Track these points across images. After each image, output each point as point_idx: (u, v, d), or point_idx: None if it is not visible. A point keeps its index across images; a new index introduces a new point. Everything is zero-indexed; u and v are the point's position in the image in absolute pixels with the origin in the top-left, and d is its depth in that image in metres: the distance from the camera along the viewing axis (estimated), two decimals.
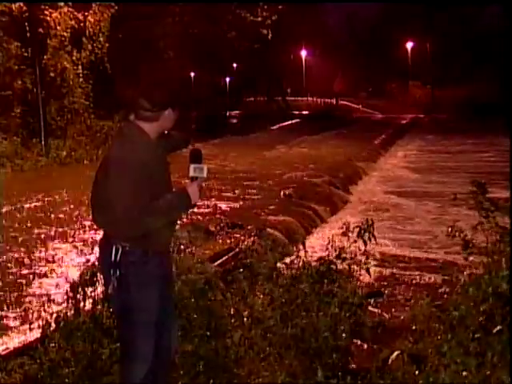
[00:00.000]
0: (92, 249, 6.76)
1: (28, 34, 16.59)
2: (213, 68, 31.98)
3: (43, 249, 6.95)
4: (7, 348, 3.91)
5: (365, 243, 4.56)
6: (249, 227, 7.54)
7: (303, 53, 52.18)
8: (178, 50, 25.44)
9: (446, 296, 5.00)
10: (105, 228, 2.94)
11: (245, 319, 4.15)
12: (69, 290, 4.12)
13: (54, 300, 5.01)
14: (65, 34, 17.61)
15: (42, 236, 7.63)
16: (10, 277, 5.85)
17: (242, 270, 4.97)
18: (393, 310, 5.34)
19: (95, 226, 7.60)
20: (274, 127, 32.69)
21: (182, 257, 4.75)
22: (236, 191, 11.01)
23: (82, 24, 18.05)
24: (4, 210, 9.40)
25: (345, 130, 28.83)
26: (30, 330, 4.15)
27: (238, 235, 7.04)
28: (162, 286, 2.94)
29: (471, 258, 4.05)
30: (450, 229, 4.07)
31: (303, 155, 17.42)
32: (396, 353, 3.52)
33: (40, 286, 5.55)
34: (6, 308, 4.89)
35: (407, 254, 7.70)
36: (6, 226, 8.22)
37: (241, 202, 9.97)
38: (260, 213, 8.89)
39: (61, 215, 8.98)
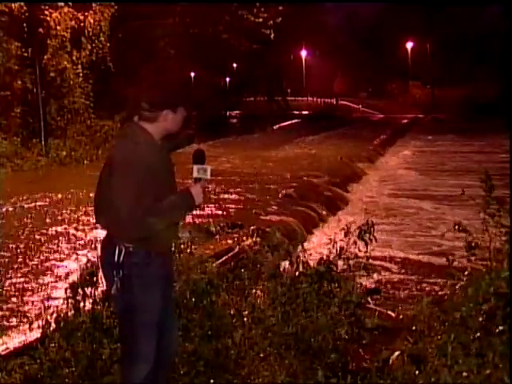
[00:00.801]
0: (92, 249, 6.76)
1: (28, 34, 16.58)
2: (213, 68, 31.95)
3: (43, 249, 6.95)
4: (7, 348, 3.91)
5: (366, 244, 4.56)
6: (249, 227, 7.54)
7: (303, 53, 52.17)
8: (179, 49, 25.44)
9: (446, 297, 5.00)
10: (108, 228, 2.94)
11: (245, 319, 4.15)
12: (69, 289, 4.11)
13: (53, 300, 5.01)
14: (65, 34, 17.60)
15: (42, 236, 7.63)
16: (10, 276, 5.84)
17: (242, 269, 4.96)
18: (392, 310, 5.34)
19: (95, 226, 7.65)
20: (274, 127, 32.69)
21: (182, 257, 4.75)
22: (236, 191, 11.01)
23: (82, 24, 18.04)
24: (4, 209, 9.41)
25: (345, 130, 28.83)
26: (30, 330, 4.15)
27: (237, 235, 7.04)
28: (165, 286, 2.94)
29: (473, 258, 4.04)
30: (455, 227, 4.06)
31: (303, 155, 17.42)
32: (396, 353, 3.52)
33: (40, 285, 5.55)
34: (5, 308, 4.90)
35: (406, 256, 7.70)
36: (5, 225, 8.22)
37: (241, 202, 9.96)
38: (260, 213, 8.89)
39: (61, 215, 8.98)
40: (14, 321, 4.58)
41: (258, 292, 4.56)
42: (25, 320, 4.48)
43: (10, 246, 7.11)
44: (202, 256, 5.25)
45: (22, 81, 16.91)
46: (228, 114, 38.43)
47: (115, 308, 3.25)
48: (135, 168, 2.74)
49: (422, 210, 10.62)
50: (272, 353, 3.81)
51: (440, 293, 5.64)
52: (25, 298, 5.16)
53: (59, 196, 10.55)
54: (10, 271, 6.03)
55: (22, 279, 5.75)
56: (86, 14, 18.11)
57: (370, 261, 4.90)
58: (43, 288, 5.46)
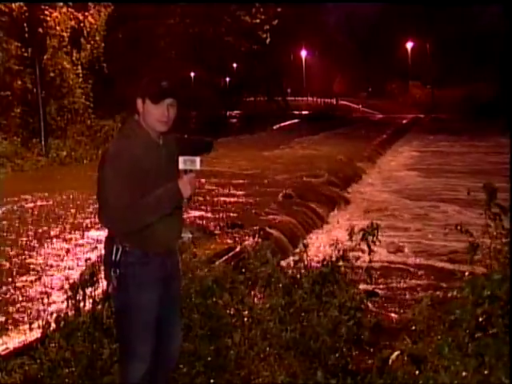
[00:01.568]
0: (92, 248, 6.76)
1: (28, 34, 16.58)
2: (213, 68, 31.97)
3: (43, 248, 6.95)
4: (7, 348, 3.91)
5: (368, 246, 4.55)
6: (249, 227, 7.55)
7: (303, 53, 52.19)
8: (179, 49, 25.45)
9: (446, 297, 5.00)
10: (104, 224, 2.94)
11: (245, 319, 4.15)
12: (69, 289, 4.11)
13: (53, 300, 5.01)
14: (64, 34, 17.60)
15: (42, 236, 7.63)
16: (10, 276, 5.84)
17: (242, 270, 4.96)
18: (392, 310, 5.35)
19: (95, 226, 7.65)
20: (274, 127, 32.68)
21: (183, 257, 4.75)
22: (236, 191, 11.01)
23: (81, 24, 18.04)
24: (4, 209, 9.41)
25: (345, 130, 28.83)
26: (30, 329, 4.15)
27: (238, 235, 7.05)
28: (164, 287, 2.92)
29: (475, 259, 4.03)
30: (456, 228, 4.05)
31: (303, 155, 17.42)
32: (396, 353, 3.52)
33: (40, 285, 5.55)
34: (6, 308, 4.90)
35: (407, 256, 7.70)
36: (5, 225, 8.22)
37: (241, 202, 9.96)
38: (260, 213, 8.90)
39: (61, 215, 8.98)
40: (14, 320, 4.58)
41: (258, 292, 4.56)
42: (25, 320, 4.49)
43: (10, 245, 7.12)
44: (203, 256, 5.26)
45: (22, 81, 16.91)
46: (228, 113, 38.43)
47: (114, 306, 3.26)
48: (121, 161, 2.73)
49: (422, 211, 10.62)
50: (272, 353, 3.81)
51: (440, 293, 5.64)
52: (24, 298, 5.16)
53: (59, 196, 10.54)
54: (10, 271, 6.04)
55: (22, 279, 5.75)
56: (86, 14, 18.11)
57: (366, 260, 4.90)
58: (43, 288, 5.46)
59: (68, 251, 6.85)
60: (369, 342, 4.23)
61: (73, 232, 7.82)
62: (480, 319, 3.23)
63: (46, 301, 5.03)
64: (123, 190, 2.71)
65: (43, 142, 15.96)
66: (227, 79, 41.92)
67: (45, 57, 17.23)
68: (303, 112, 46.50)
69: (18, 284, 5.59)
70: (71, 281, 4.42)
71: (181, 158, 2.77)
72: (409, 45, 50.20)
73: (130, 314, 2.87)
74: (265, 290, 4.57)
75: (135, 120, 2.88)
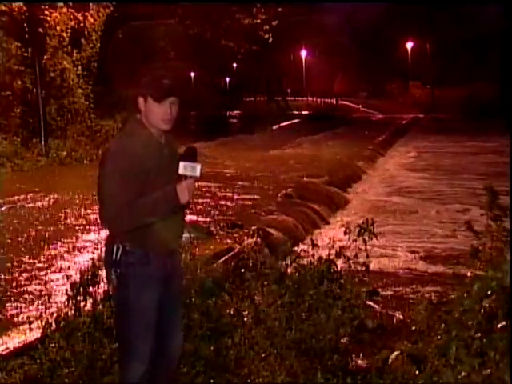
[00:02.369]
0: (92, 248, 6.76)
1: (28, 34, 16.58)
2: (213, 68, 31.96)
3: (42, 248, 6.95)
4: (7, 348, 3.91)
5: (365, 243, 4.56)
6: (249, 227, 7.54)
7: (303, 53, 52.15)
8: (178, 50, 25.45)
9: (446, 297, 5.00)
10: (103, 223, 2.93)
11: (245, 319, 4.15)
12: (69, 289, 4.11)
13: (53, 300, 5.01)
14: (64, 34, 17.59)
15: (42, 236, 7.63)
16: (10, 276, 5.85)
17: (242, 269, 4.97)
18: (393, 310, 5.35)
19: (95, 226, 7.65)
20: (274, 127, 32.67)
21: (183, 257, 4.75)
22: (235, 191, 11.01)
23: (81, 24, 18.04)
24: (4, 209, 9.41)
25: (345, 130, 28.82)
26: (30, 330, 4.15)
27: (237, 235, 7.05)
28: (165, 287, 2.92)
29: (476, 260, 4.03)
30: (458, 228, 4.06)
31: (303, 155, 17.41)
32: (396, 353, 3.52)
33: (40, 285, 5.55)
34: (6, 308, 4.90)
35: (408, 257, 7.70)
36: (5, 225, 8.22)
37: (240, 202, 9.96)
38: (260, 213, 8.90)
39: (61, 215, 8.98)
40: (14, 320, 4.58)
41: (258, 292, 4.55)
42: (25, 319, 4.49)
43: (10, 245, 7.12)
44: (203, 256, 5.26)
45: (22, 81, 16.89)
46: (228, 113, 38.41)
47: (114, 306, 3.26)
48: (121, 159, 2.73)
49: (422, 211, 10.61)
50: (272, 353, 3.81)
51: (440, 294, 5.65)
52: (25, 298, 5.16)
53: (59, 196, 10.54)
54: (10, 271, 6.04)
55: (22, 278, 5.75)
56: (86, 14, 18.10)
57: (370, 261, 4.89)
58: (43, 288, 5.46)
59: (68, 251, 6.85)
60: (371, 341, 4.23)
61: (72, 232, 7.82)
62: (480, 318, 3.23)
63: (46, 301, 5.03)
64: (121, 189, 2.70)
65: (43, 142, 15.95)
66: (227, 79, 41.91)
67: (45, 57, 17.22)
68: (303, 112, 46.44)
69: (18, 284, 5.60)
70: (71, 281, 4.41)
71: (181, 164, 2.74)
72: (409, 45, 50.16)
73: (129, 313, 2.87)
74: (264, 288, 4.57)
75: (137, 119, 2.88)
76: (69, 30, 17.69)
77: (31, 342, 3.90)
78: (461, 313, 3.33)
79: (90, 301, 4.04)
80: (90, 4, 18.28)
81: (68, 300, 4.02)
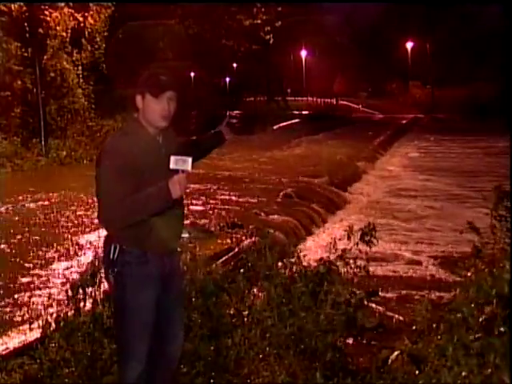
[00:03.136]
0: (92, 248, 6.76)
1: (28, 34, 16.58)
2: (213, 68, 31.97)
3: (42, 248, 6.95)
4: (7, 348, 3.91)
5: (367, 245, 4.54)
6: (249, 227, 7.54)
7: (303, 53, 52.14)
8: (178, 50, 25.46)
9: (446, 298, 5.00)
10: (99, 221, 2.92)
11: (245, 319, 4.15)
12: (69, 289, 4.11)
13: (53, 300, 5.01)
14: (64, 34, 17.61)
15: (42, 236, 7.63)
16: (10, 276, 5.85)
17: (242, 270, 4.96)
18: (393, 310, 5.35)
19: (94, 226, 7.65)
20: (274, 127, 32.66)
21: (183, 257, 4.75)
22: (235, 191, 11.01)
23: (81, 24, 18.05)
24: (4, 209, 9.42)
25: (345, 130, 28.81)
26: (30, 329, 4.15)
27: (237, 235, 7.04)
28: (163, 287, 2.91)
29: (479, 261, 4.02)
30: (458, 230, 4.05)
31: (303, 155, 17.41)
32: (396, 353, 3.52)
33: (40, 285, 5.54)
34: (6, 307, 4.90)
35: (409, 258, 7.69)
36: (5, 225, 8.22)
37: (240, 202, 9.96)
38: (260, 213, 8.89)
39: (61, 215, 8.99)
40: (14, 320, 4.58)
41: (258, 292, 4.55)
42: (25, 320, 4.49)
43: (10, 245, 7.12)
44: (203, 256, 5.25)
45: (22, 81, 16.91)
46: (228, 114, 38.36)
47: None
48: (116, 157, 2.73)
49: (423, 211, 10.61)
50: (271, 353, 3.81)
51: (441, 294, 5.65)
52: (24, 298, 5.17)
53: (59, 196, 10.54)
54: (9, 271, 6.04)
55: (22, 278, 5.75)
56: (86, 14, 18.11)
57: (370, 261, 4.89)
58: (42, 288, 5.46)
59: (68, 251, 6.85)
60: (371, 341, 4.23)
61: (72, 232, 7.82)
62: (483, 318, 3.23)
63: (46, 301, 5.03)
64: (115, 186, 2.70)
65: (43, 142, 15.96)
66: (227, 79, 41.92)
67: (45, 57, 17.24)
68: (303, 112, 46.42)
69: (17, 284, 5.60)
70: (71, 281, 4.42)
71: (172, 158, 2.71)
72: (409, 45, 50.13)
73: (126, 313, 2.86)
74: (264, 288, 4.57)
75: (134, 118, 2.88)
76: (69, 30, 17.70)
77: (31, 342, 3.90)
78: (461, 318, 3.33)
79: (89, 301, 4.03)
80: (91, 4, 18.29)
81: (68, 300, 4.02)
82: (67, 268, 6.11)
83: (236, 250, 6.27)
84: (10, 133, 16.19)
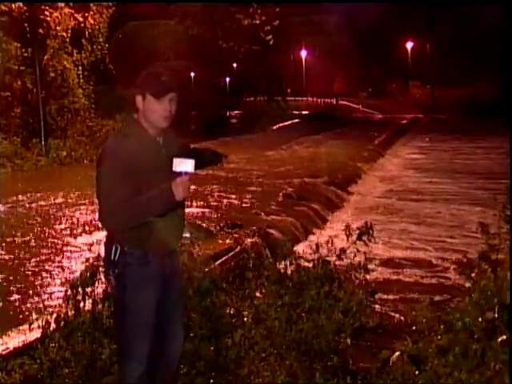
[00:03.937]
0: (92, 248, 6.76)
1: (28, 34, 16.58)
2: (213, 68, 31.98)
3: (42, 249, 6.95)
4: (7, 348, 3.91)
5: (366, 245, 4.55)
6: (249, 227, 7.54)
7: (303, 53, 52.14)
8: (179, 50, 25.49)
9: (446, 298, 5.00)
10: (100, 223, 2.92)
11: (245, 319, 4.15)
12: (69, 289, 4.11)
13: (53, 299, 5.01)
14: (64, 34, 17.60)
15: (42, 236, 7.63)
16: (10, 275, 5.85)
17: (242, 270, 4.96)
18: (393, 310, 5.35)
19: (94, 226, 7.65)
20: (274, 127, 32.67)
21: (183, 257, 4.75)
22: (235, 191, 11.00)
23: (82, 25, 18.05)
24: (4, 209, 9.42)
25: (345, 130, 28.81)
26: (30, 330, 4.15)
27: (237, 235, 7.04)
28: (164, 287, 2.91)
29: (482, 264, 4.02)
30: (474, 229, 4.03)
31: (303, 155, 17.41)
32: (396, 353, 3.52)
33: (39, 285, 5.55)
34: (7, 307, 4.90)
35: (410, 258, 7.69)
36: (5, 225, 8.23)
37: (240, 202, 9.96)
38: (260, 213, 8.89)
39: (61, 215, 8.99)
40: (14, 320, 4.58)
41: (257, 292, 4.55)
42: (25, 320, 4.49)
43: (10, 245, 7.12)
44: (203, 256, 5.26)
45: (21, 81, 16.91)
46: (228, 113, 38.42)
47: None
48: (117, 158, 2.72)
49: (423, 211, 10.60)
50: (272, 353, 3.81)
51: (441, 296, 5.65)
52: (25, 298, 5.17)
53: (59, 196, 10.54)
54: (9, 270, 6.04)
55: (22, 278, 5.76)
56: (86, 14, 18.11)
57: (370, 262, 4.89)
58: (42, 287, 5.46)
59: (67, 251, 6.85)
60: (371, 341, 4.23)
61: (72, 232, 7.82)
62: (480, 319, 3.23)
63: (45, 301, 5.03)
64: (116, 188, 2.69)
65: (43, 142, 15.97)
66: (227, 79, 41.91)
67: (45, 57, 17.24)
68: (303, 112, 46.43)
69: (16, 284, 5.60)
70: (71, 281, 4.42)
71: (175, 160, 2.72)
72: (409, 45, 50.14)
73: (127, 314, 2.86)
74: (263, 288, 4.57)
75: (134, 119, 2.88)
76: (69, 30, 17.70)
77: (31, 342, 3.90)
78: (462, 320, 3.33)
79: (89, 301, 4.03)
80: (92, 4, 18.29)
81: (68, 300, 4.02)
82: (67, 268, 6.11)
83: (236, 249, 6.27)
84: (10, 133, 16.19)
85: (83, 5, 18.13)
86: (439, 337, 3.42)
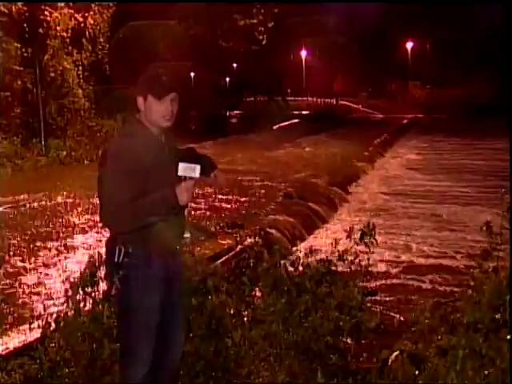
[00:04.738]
0: (92, 248, 6.76)
1: (28, 34, 16.58)
2: (213, 68, 31.96)
3: (42, 249, 6.95)
4: (7, 348, 3.91)
5: (367, 246, 4.54)
6: (249, 227, 7.54)
7: (303, 53, 52.16)
8: (179, 50, 25.48)
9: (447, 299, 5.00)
10: (103, 224, 2.92)
11: (245, 319, 4.15)
12: (69, 289, 4.10)
13: (54, 299, 5.01)
14: (64, 34, 17.60)
15: (42, 236, 7.63)
16: (10, 276, 5.85)
17: (243, 270, 4.96)
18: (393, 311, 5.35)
19: (94, 226, 7.65)
20: (274, 127, 32.67)
21: (183, 257, 4.74)
22: (236, 191, 11.00)
23: (82, 25, 18.04)
24: (3, 209, 9.42)
25: (345, 130, 28.81)
26: (30, 330, 4.15)
27: (237, 235, 7.04)
28: (167, 287, 2.91)
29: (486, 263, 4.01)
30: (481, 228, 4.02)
31: (303, 155, 17.41)
32: (396, 353, 3.51)
33: (39, 285, 5.55)
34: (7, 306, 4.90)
35: (410, 259, 7.68)
36: (5, 225, 8.22)
37: (240, 202, 9.96)
38: (260, 213, 8.89)
39: (61, 215, 8.99)
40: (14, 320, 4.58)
41: (258, 293, 4.55)
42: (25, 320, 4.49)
43: (10, 245, 7.12)
44: (203, 256, 5.26)
45: (21, 81, 16.90)
46: (228, 113, 38.40)
47: (116, 308, 3.24)
48: (123, 160, 2.71)
49: (424, 211, 10.60)
50: (272, 353, 3.80)
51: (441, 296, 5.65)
52: (25, 297, 5.17)
53: (59, 196, 10.54)
54: (9, 271, 6.04)
55: (22, 278, 5.76)
56: (86, 14, 18.11)
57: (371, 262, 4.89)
58: (43, 287, 5.46)
59: (67, 251, 6.85)
60: (369, 340, 4.23)
61: (72, 232, 7.82)
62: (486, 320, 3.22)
63: (45, 299, 5.03)
64: (121, 189, 2.68)
65: (43, 142, 15.97)
66: (227, 79, 41.89)
67: (45, 57, 17.23)
68: (303, 112, 46.46)
69: (16, 284, 5.60)
70: (71, 281, 4.41)
71: (181, 165, 2.73)
72: (409, 45, 50.16)
73: (133, 316, 2.85)
74: (264, 288, 4.57)
75: (136, 119, 2.87)
76: (69, 30, 17.69)
77: (31, 342, 3.90)
78: (465, 319, 3.33)
79: (89, 301, 4.03)
80: (93, 4, 18.29)
81: (68, 300, 4.01)
82: (66, 268, 6.11)
83: (237, 249, 6.27)
84: (10, 133, 16.19)
85: (83, 5, 18.13)
86: (439, 337, 3.42)
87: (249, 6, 26.07)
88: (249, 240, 6.79)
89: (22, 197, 10.38)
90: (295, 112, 44.85)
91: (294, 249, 5.80)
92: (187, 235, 3.07)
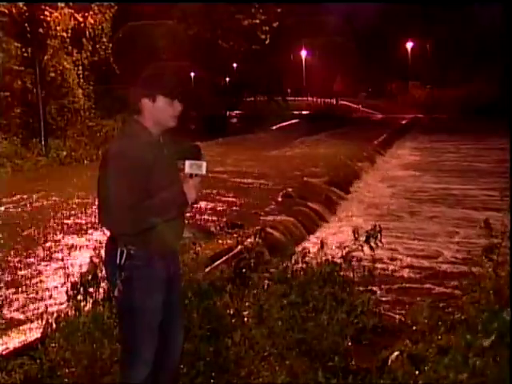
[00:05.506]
0: (92, 249, 6.75)
1: (28, 34, 16.57)
2: (213, 68, 31.93)
3: (42, 249, 6.95)
4: (7, 348, 3.91)
5: (371, 248, 4.54)
6: (249, 227, 7.54)
7: (303, 53, 52.17)
8: (178, 50, 25.46)
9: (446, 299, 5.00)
10: (105, 226, 2.91)
11: (245, 319, 4.15)
12: (69, 289, 4.10)
13: (54, 299, 5.01)
14: (64, 34, 17.59)
15: (41, 236, 7.63)
16: (10, 276, 5.85)
17: (242, 270, 4.96)
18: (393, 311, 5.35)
19: (94, 226, 7.65)
20: (275, 127, 32.67)
21: (184, 257, 4.74)
22: (235, 191, 11.00)
23: (82, 25, 18.04)
24: (4, 209, 9.42)
25: (345, 130, 28.81)
26: (30, 330, 4.15)
27: (238, 235, 7.03)
28: (167, 288, 2.90)
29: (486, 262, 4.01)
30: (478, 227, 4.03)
31: (303, 155, 17.41)
32: (396, 353, 3.51)
33: (39, 285, 5.55)
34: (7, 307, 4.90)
35: (410, 260, 7.68)
36: (5, 225, 8.22)
37: (240, 202, 9.96)
38: (260, 213, 8.89)
39: (61, 215, 8.99)
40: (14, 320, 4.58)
41: (258, 293, 4.55)
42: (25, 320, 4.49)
43: (9, 245, 7.12)
44: (203, 256, 5.25)
45: (21, 81, 16.90)
46: (228, 113, 38.38)
47: (117, 309, 3.23)
48: (125, 161, 2.70)
49: (424, 212, 10.61)
50: (272, 353, 3.80)
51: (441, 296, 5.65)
52: (25, 298, 5.17)
53: (59, 196, 10.54)
54: (9, 271, 6.04)
55: (22, 278, 5.76)
56: (87, 14, 18.10)
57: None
58: (43, 287, 5.47)
59: (68, 251, 6.85)
60: (369, 340, 4.23)
61: (72, 232, 7.82)
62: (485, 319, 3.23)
63: (45, 299, 5.04)
64: (127, 191, 2.67)
65: (43, 142, 15.96)
66: (227, 79, 41.86)
67: (45, 57, 17.22)
68: (303, 112, 46.48)
69: (16, 284, 5.60)
70: (71, 281, 4.41)
71: (187, 162, 2.75)
72: (409, 45, 50.18)
73: (136, 317, 2.84)
74: (264, 288, 4.57)
75: (135, 120, 2.86)
76: (69, 30, 17.69)
77: (31, 342, 3.90)
78: (464, 318, 3.33)
79: (90, 301, 4.03)
80: (93, 4, 18.28)
81: (68, 300, 4.02)
82: (66, 268, 6.11)
83: (237, 249, 6.26)
84: (10, 133, 16.18)
85: (83, 5, 18.12)
86: (439, 337, 3.42)
87: (248, 6, 26.05)
88: (249, 240, 6.78)
89: (21, 197, 10.38)
90: (295, 112, 44.89)
91: (294, 249, 5.79)
92: (189, 235, 3.07)
